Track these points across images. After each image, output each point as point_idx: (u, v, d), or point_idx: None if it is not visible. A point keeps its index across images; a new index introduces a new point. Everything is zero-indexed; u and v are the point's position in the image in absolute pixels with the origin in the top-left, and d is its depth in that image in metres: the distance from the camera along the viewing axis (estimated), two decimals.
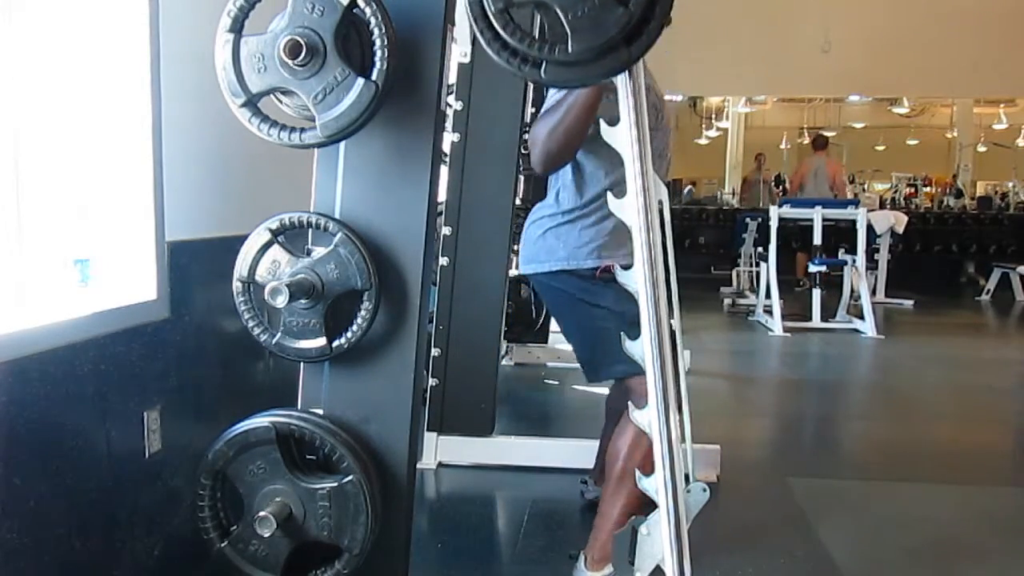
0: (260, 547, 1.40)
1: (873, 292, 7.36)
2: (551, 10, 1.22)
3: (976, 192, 11.41)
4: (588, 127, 1.89)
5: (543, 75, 1.25)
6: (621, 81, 1.35)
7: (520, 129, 2.94)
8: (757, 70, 9.43)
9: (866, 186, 11.75)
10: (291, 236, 1.42)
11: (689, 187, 11.90)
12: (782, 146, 12.72)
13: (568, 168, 2.07)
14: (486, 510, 2.82)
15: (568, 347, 2.33)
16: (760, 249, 7.32)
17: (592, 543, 2.04)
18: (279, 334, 1.40)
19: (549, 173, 2.08)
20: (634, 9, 1.20)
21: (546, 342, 4.66)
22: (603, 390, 2.63)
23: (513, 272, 3.22)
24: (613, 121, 1.39)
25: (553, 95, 1.87)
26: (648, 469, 1.50)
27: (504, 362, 4.45)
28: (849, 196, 8.91)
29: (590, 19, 1.21)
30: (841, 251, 6.87)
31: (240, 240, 1.42)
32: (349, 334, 1.39)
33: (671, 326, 1.46)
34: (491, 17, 1.22)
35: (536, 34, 1.26)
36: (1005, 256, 9.08)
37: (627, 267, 2.02)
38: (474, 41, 2.79)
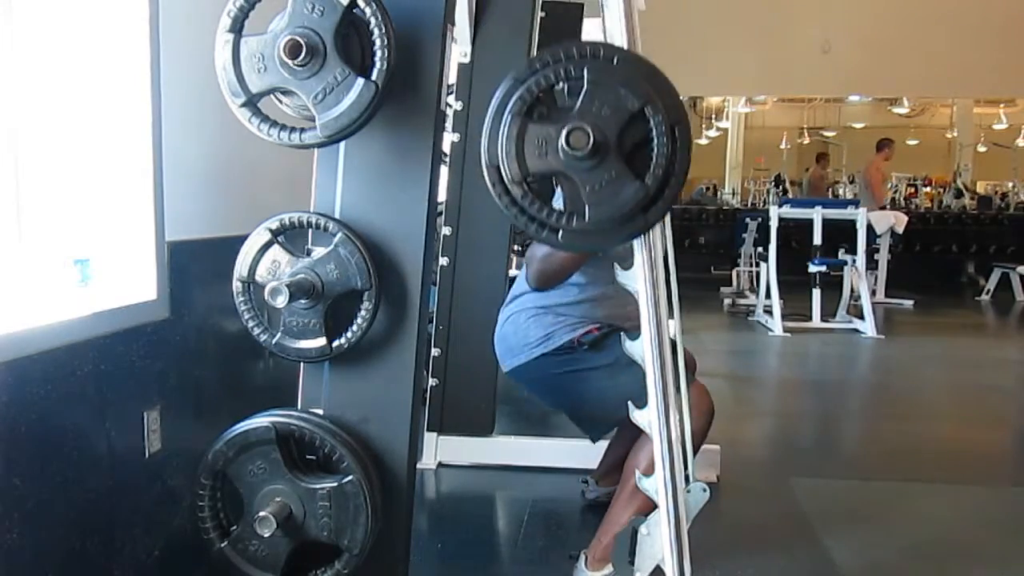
0: (260, 547, 1.40)
1: (873, 292, 7.36)
2: (570, 180, 1.25)
3: (976, 192, 11.39)
4: (586, 259, 1.94)
5: (560, 240, 1.28)
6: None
7: None
8: (757, 70, 9.43)
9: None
10: (291, 236, 1.42)
11: (700, 187, 11.85)
12: (782, 146, 12.72)
13: None
14: (486, 510, 2.82)
15: None
16: (760, 249, 7.32)
17: (595, 544, 2.05)
18: (279, 334, 1.40)
19: (541, 291, 2.14)
20: (650, 183, 1.23)
21: None
22: None
23: (512, 269, 3.23)
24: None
25: None
26: (649, 470, 1.50)
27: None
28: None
29: (608, 192, 1.23)
30: (841, 251, 6.87)
31: (240, 240, 1.42)
32: (349, 334, 1.39)
33: (671, 327, 1.46)
34: (508, 185, 1.25)
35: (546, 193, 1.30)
36: (1005, 256, 9.08)
37: (603, 330, 2.10)
38: (474, 41, 2.80)
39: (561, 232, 1.26)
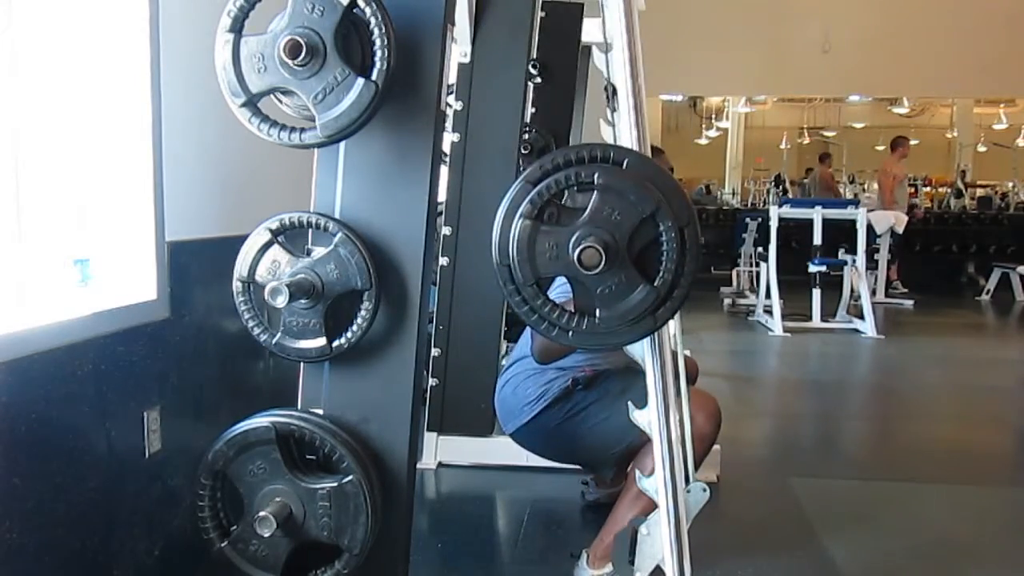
0: (260, 547, 1.39)
1: (873, 292, 7.36)
2: (580, 283, 1.27)
3: (976, 192, 11.38)
4: None
5: (571, 338, 1.29)
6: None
7: (520, 129, 2.94)
8: (757, 70, 9.43)
9: (866, 186, 11.74)
10: (291, 236, 1.42)
11: (700, 187, 11.84)
12: (782, 146, 12.73)
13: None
14: (486, 510, 2.82)
15: None
16: (760, 249, 7.32)
17: (596, 543, 2.05)
18: (279, 334, 1.40)
19: (544, 365, 2.19)
20: (660, 287, 1.25)
21: None
22: None
23: None
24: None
25: (559, 291, 1.85)
26: (649, 470, 1.50)
27: (504, 362, 4.44)
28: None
29: (617, 295, 1.25)
30: (841, 251, 6.88)
31: (240, 240, 1.42)
32: (349, 334, 1.39)
33: (671, 327, 1.46)
34: (520, 287, 1.27)
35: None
36: (1005, 256, 9.08)
37: (596, 369, 2.14)
38: (474, 41, 2.80)
39: (572, 333, 1.28)
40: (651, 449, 1.48)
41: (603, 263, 1.21)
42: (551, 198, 1.25)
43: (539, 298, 1.27)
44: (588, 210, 1.24)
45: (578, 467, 2.48)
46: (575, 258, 1.22)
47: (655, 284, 1.24)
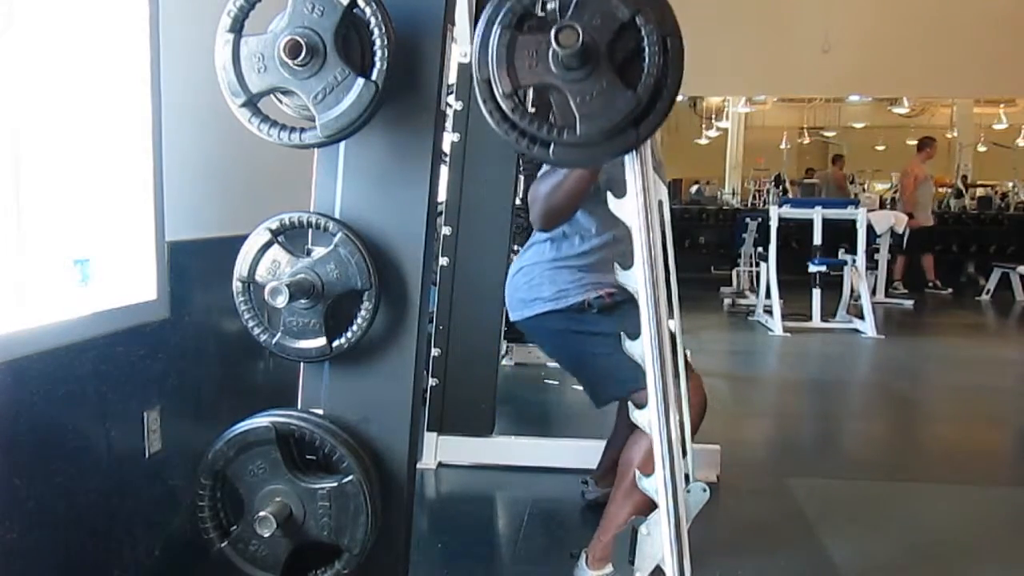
0: (260, 547, 1.40)
1: (873, 292, 7.36)
2: (560, 93, 1.23)
3: (976, 192, 11.38)
4: (589, 189, 1.92)
5: (552, 155, 1.26)
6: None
7: None
8: (757, 70, 9.43)
9: (866, 186, 11.74)
10: (291, 236, 1.42)
11: (697, 186, 11.81)
12: (782, 146, 12.72)
13: None
14: (486, 510, 2.82)
15: None
16: (760, 249, 7.32)
17: (595, 543, 2.05)
18: (279, 334, 1.40)
19: (548, 231, 2.11)
20: (642, 93, 1.22)
21: None
22: None
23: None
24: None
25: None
26: (648, 469, 1.50)
27: (504, 362, 4.45)
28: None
29: (598, 103, 1.22)
30: (841, 251, 6.88)
31: (240, 240, 1.42)
32: (349, 334, 1.39)
33: (671, 326, 1.46)
34: (499, 100, 1.23)
35: (546, 114, 1.27)
36: (1005, 256, 9.08)
37: (615, 297, 2.06)
38: (474, 36, 2.79)
39: (552, 146, 1.24)
40: (642, 441, 1.47)
41: (580, 45, 1.16)
42: (531, 6, 1.22)
43: (518, 110, 1.23)
44: (568, 15, 1.20)
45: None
46: (553, 42, 1.17)
47: (637, 91, 1.21)
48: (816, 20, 9.02)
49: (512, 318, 2.29)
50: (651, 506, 1.48)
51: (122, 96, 1.74)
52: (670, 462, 1.45)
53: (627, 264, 1.42)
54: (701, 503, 1.49)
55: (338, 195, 1.46)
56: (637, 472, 1.51)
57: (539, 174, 2.00)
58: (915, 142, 9.57)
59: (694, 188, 11.64)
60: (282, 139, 1.30)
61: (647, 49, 1.20)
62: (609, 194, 1.40)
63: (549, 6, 1.24)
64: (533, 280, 2.17)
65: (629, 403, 1.51)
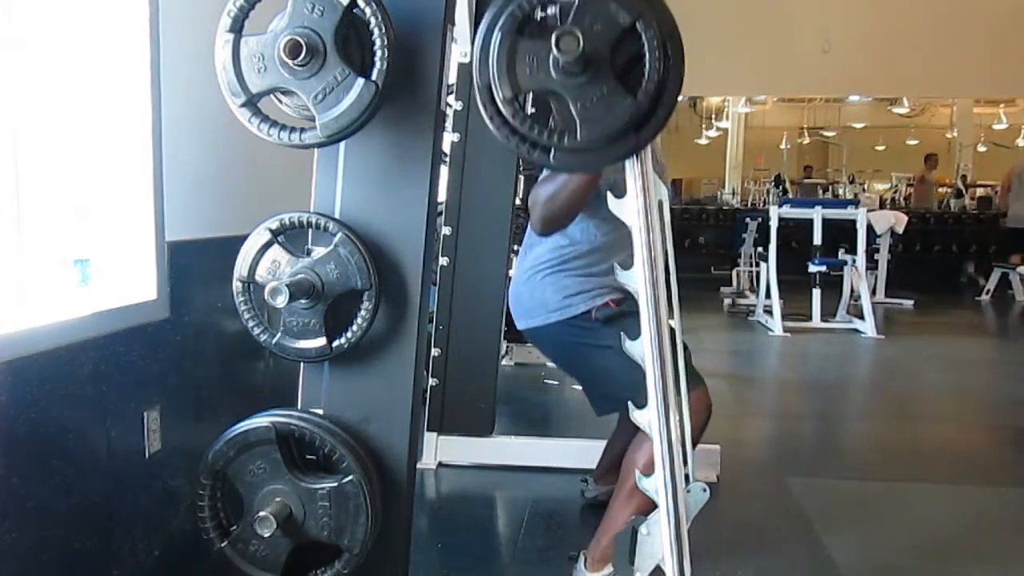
0: (260, 547, 1.40)
1: (873, 292, 7.36)
2: (560, 99, 1.23)
3: (976, 192, 11.38)
4: (589, 194, 1.91)
5: (552, 160, 1.26)
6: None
7: None
8: (757, 70, 9.43)
9: (866, 186, 11.74)
10: (291, 236, 1.42)
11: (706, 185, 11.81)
12: (782, 146, 12.72)
13: None
14: (486, 510, 2.82)
15: None
16: (760, 249, 7.32)
17: (594, 545, 2.05)
18: (279, 334, 1.40)
19: (547, 235, 2.09)
20: (642, 99, 1.22)
21: None
22: None
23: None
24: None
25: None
26: (648, 469, 1.50)
27: (504, 362, 4.45)
28: None
29: (599, 108, 1.22)
30: (841, 251, 6.88)
31: (240, 240, 1.42)
32: (349, 334, 1.39)
33: (671, 326, 1.46)
34: (499, 104, 1.23)
35: (546, 116, 1.27)
36: (1005, 256, 9.07)
37: (620, 306, 2.06)
38: (474, 41, 2.79)
39: (553, 151, 1.24)
40: (645, 443, 1.47)
41: (581, 51, 1.16)
42: (531, 11, 1.22)
43: (519, 116, 1.23)
44: (569, 21, 1.20)
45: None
46: (554, 48, 1.17)
47: (637, 97, 1.21)
48: (816, 20, 9.02)
49: (518, 326, 2.28)
50: (653, 509, 1.48)
51: (122, 96, 1.74)
52: (670, 462, 1.45)
53: (628, 265, 1.42)
54: (701, 503, 1.49)
55: (338, 195, 1.46)
56: (637, 472, 1.51)
57: (539, 178, 1.99)
58: (916, 142, 9.58)
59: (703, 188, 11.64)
60: (282, 139, 1.30)
61: (648, 55, 1.20)
62: (609, 194, 1.40)
63: (550, 11, 1.24)
64: (535, 289, 2.16)
65: (629, 403, 1.50)
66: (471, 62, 1.24)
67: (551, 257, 2.14)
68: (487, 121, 1.25)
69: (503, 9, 1.22)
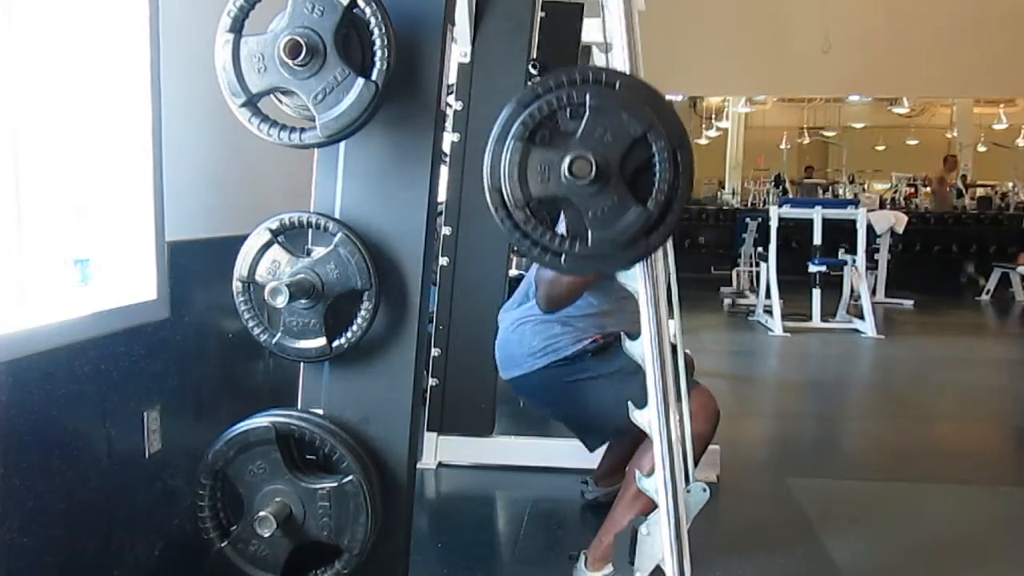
0: (260, 547, 1.40)
1: (873, 292, 7.36)
2: (572, 206, 1.25)
3: (976, 192, 11.38)
4: (592, 282, 1.93)
5: (563, 264, 1.28)
6: None
7: None
8: (757, 70, 9.44)
9: (866, 186, 11.74)
10: (291, 236, 1.42)
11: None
12: (782, 146, 12.73)
13: None
14: (486, 510, 2.82)
15: None
16: (760, 249, 7.32)
17: (595, 544, 2.05)
18: (279, 334, 1.40)
19: (551, 313, 2.13)
20: (652, 208, 1.23)
21: None
22: None
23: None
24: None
25: None
26: (648, 470, 1.50)
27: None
28: None
29: (610, 216, 1.24)
30: (841, 251, 6.88)
31: (240, 240, 1.42)
32: (349, 334, 1.39)
33: (671, 326, 1.46)
34: (511, 210, 1.25)
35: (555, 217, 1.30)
36: (1005, 256, 9.08)
37: (607, 338, 2.10)
38: (474, 41, 2.80)
39: (564, 257, 1.26)
40: (651, 449, 1.48)
41: (593, 173, 1.19)
42: (543, 120, 1.23)
43: (530, 222, 1.25)
44: (580, 131, 1.22)
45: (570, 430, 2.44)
46: (566, 169, 1.20)
47: (647, 206, 1.23)
48: (816, 20, 9.03)
49: (503, 376, 2.31)
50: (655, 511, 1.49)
51: (122, 96, 1.74)
52: (670, 462, 1.45)
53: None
54: (701, 503, 1.49)
55: (338, 195, 1.46)
56: (637, 472, 1.52)
57: None
58: (916, 142, 9.59)
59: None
60: (282, 139, 1.30)
61: (658, 165, 1.23)
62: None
63: (561, 122, 1.26)
64: (523, 336, 2.20)
65: (629, 403, 1.50)
66: (483, 165, 1.26)
67: (543, 315, 2.16)
68: (498, 222, 1.27)
69: (515, 116, 1.24)
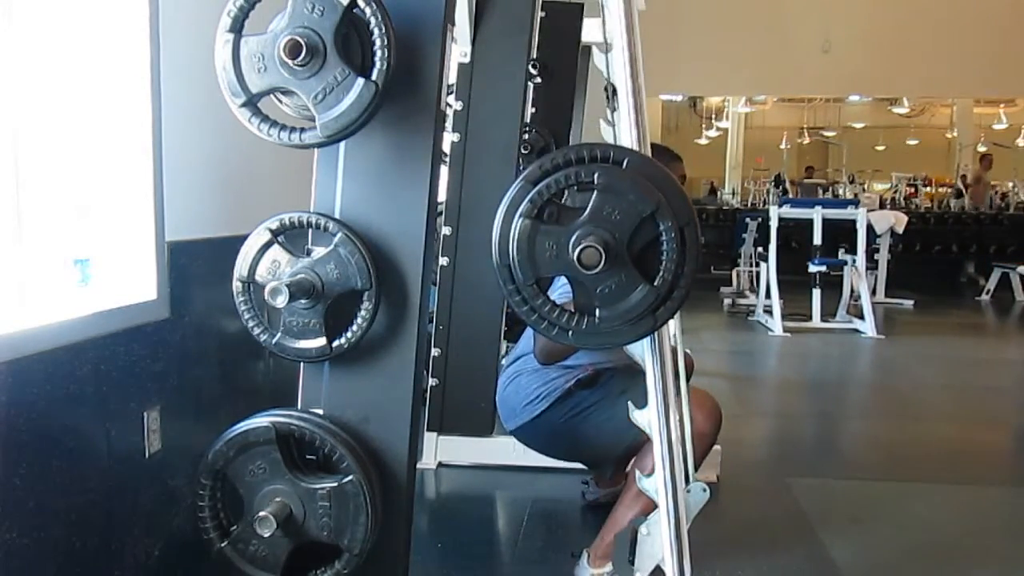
0: (260, 547, 1.39)
1: (873, 292, 7.36)
2: (580, 283, 1.26)
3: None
4: None
5: (571, 339, 1.29)
6: None
7: (520, 129, 2.94)
8: (757, 70, 9.43)
9: (866, 186, 11.75)
10: (291, 236, 1.42)
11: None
12: (782, 146, 12.73)
13: None
14: (486, 510, 2.82)
15: None
16: (760, 249, 7.33)
17: (597, 542, 2.05)
18: (279, 334, 1.40)
19: (548, 366, 2.21)
20: (660, 286, 1.25)
21: None
22: None
23: None
24: None
25: (560, 292, 1.85)
26: (648, 470, 1.50)
27: (504, 361, 4.44)
28: None
29: (617, 294, 1.25)
30: (841, 251, 6.88)
31: (240, 240, 1.42)
32: (349, 334, 1.39)
33: (670, 327, 1.46)
34: (520, 287, 1.27)
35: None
36: (1005, 256, 9.08)
37: (596, 368, 2.14)
38: (474, 41, 2.80)
39: (572, 332, 1.28)
40: (651, 449, 1.48)
41: (603, 262, 1.21)
42: (551, 197, 1.25)
43: (539, 298, 1.27)
44: (588, 210, 1.24)
45: (579, 465, 2.49)
46: (575, 258, 1.22)
47: (655, 284, 1.24)
48: (816, 20, 9.04)
49: (508, 429, 2.39)
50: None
51: (122, 96, 1.74)
52: (670, 462, 1.45)
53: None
54: (701, 503, 1.50)
55: (338, 195, 1.45)
56: (637, 472, 1.52)
57: None
58: (916, 142, 9.60)
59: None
60: (282, 139, 1.30)
61: (666, 244, 1.24)
62: None
63: (568, 196, 1.27)
64: (520, 386, 2.29)
65: (629, 403, 1.51)
66: (491, 241, 1.29)
67: (533, 364, 2.24)
68: (507, 296, 1.29)
69: (524, 194, 1.25)
